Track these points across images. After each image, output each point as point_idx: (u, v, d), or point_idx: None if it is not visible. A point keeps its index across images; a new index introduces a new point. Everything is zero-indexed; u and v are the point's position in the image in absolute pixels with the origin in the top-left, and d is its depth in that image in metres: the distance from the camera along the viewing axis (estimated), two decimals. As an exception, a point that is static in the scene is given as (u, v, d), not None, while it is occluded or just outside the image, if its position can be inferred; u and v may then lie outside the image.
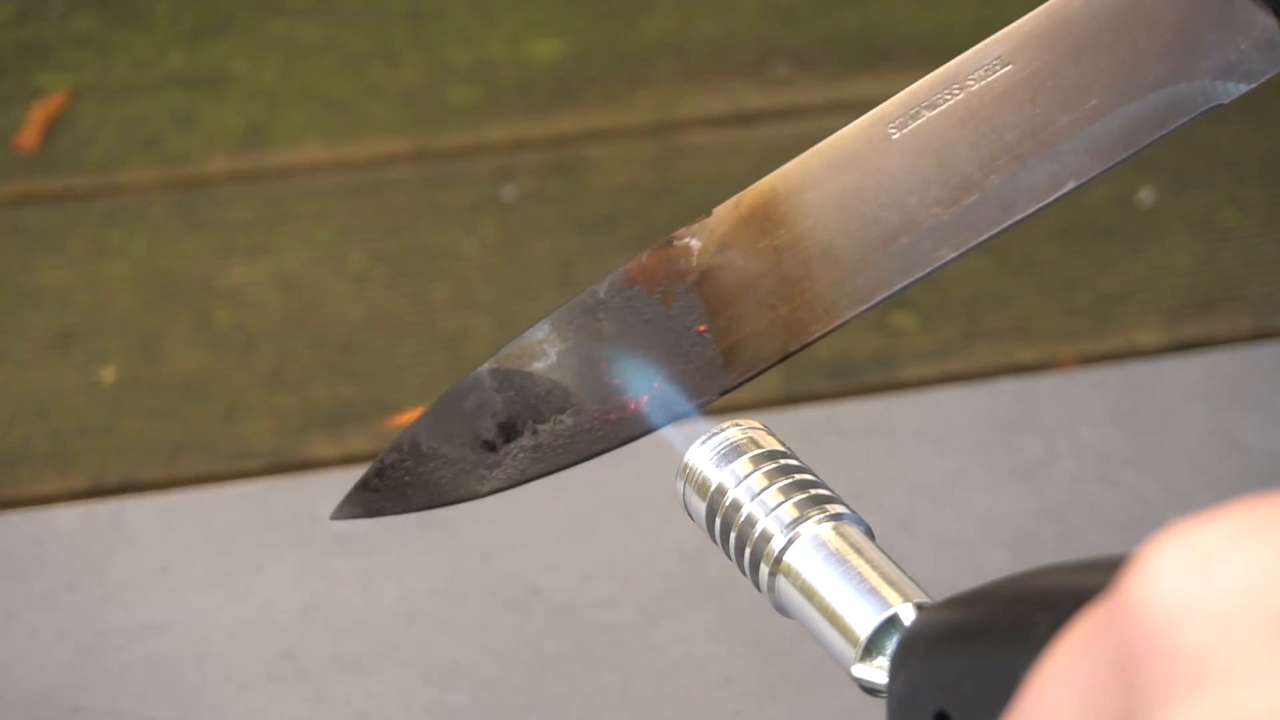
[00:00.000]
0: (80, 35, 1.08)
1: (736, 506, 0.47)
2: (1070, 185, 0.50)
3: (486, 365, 0.51)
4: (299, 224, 0.98)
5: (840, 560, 0.45)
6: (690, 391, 0.52)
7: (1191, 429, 0.83)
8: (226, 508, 0.79)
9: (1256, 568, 0.27)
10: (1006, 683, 0.33)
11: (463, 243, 0.97)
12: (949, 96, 0.50)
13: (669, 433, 0.52)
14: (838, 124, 0.53)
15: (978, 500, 0.79)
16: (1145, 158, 1.03)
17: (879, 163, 0.50)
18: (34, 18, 1.09)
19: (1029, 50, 0.50)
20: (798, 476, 0.47)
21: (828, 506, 0.46)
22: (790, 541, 0.45)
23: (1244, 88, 0.50)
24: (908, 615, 0.43)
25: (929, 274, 0.51)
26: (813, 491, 0.46)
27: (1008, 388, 0.86)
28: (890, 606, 0.43)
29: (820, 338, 0.51)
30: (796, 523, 0.46)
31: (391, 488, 0.53)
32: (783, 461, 0.47)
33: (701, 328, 0.51)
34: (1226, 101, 0.50)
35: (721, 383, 0.52)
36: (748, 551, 0.46)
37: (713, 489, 0.47)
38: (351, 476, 0.82)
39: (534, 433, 0.51)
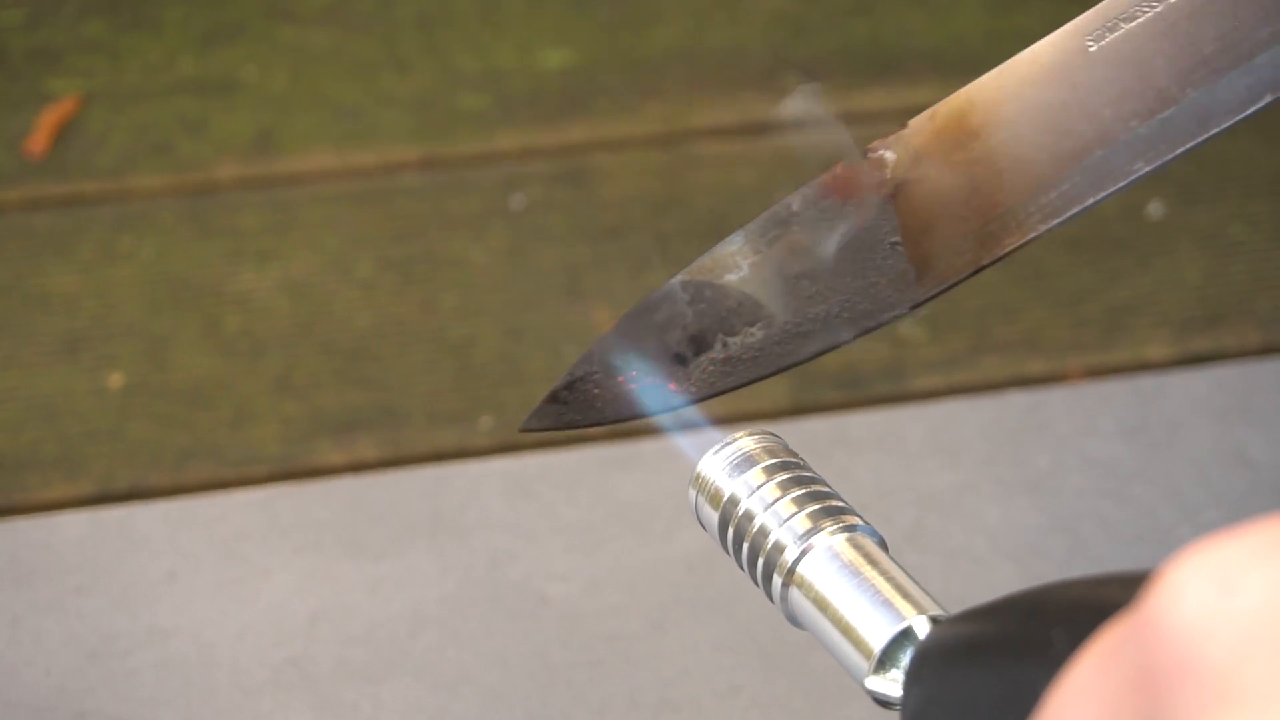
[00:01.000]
0: (91, 41, 1.08)
1: (749, 517, 0.46)
2: (1268, 99, 0.49)
3: (679, 277, 0.51)
4: (308, 231, 0.98)
5: (854, 572, 0.44)
6: (882, 305, 0.51)
7: (1199, 443, 0.82)
8: (234, 514, 0.79)
9: (1276, 587, 0.27)
10: (1023, 698, 0.32)
11: (471, 251, 0.97)
12: (1147, 9, 0.50)
13: (681, 441, 0.52)
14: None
15: (986, 512, 0.79)
16: (1155, 170, 1.03)
17: (1075, 76, 0.50)
18: (45, 23, 1.09)
19: None
20: (812, 487, 0.47)
21: (842, 518, 0.46)
22: (804, 553, 0.45)
23: None
24: (922, 628, 0.43)
25: (1123, 188, 0.50)
26: (827, 503, 0.46)
27: (1016, 400, 0.86)
28: (905, 619, 0.43)
29: (1013, 251, 0.50)
30: (810, 534, 0.45)
31: (580, 401, 0.52)
32: (796, 472, 0.47)
33: (895, 240, 0.51)
34: None
35: (913, 295, 0.51)
36: (761, 562, 0.46)
37: (725, 499, 0.47)
38: (361, 484, 0.82)
39: (724, 345, 0.51)
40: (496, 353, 0.92)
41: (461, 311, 0.94)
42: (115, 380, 0.90)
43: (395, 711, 0.71)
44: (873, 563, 0.45)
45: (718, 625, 0.74)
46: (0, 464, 0.85)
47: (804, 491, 0.46)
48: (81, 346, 0.92)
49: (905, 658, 0.43)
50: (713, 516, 0.48)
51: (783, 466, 0.47)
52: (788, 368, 0.51)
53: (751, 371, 0.51)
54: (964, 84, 0.52)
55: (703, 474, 0.48)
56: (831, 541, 0.45)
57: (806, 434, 0.83)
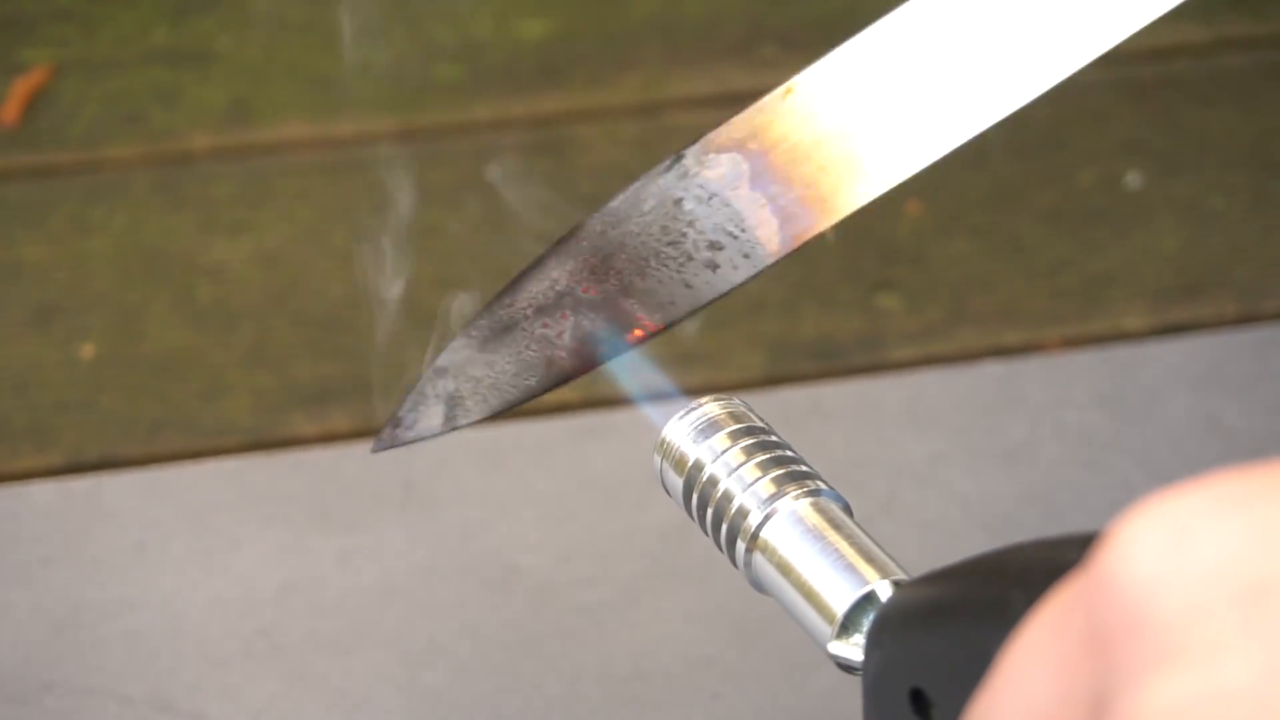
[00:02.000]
0: (63, 10, 1.07)
1: (713, 482, 0.46)
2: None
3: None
4: (282, 201, 0.97)
5: (818, 536, 0.44)
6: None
7: (1176, 413, 0.82)
8: (205, 485, 0.79)
9: (1232, 540, 0.27)
10: (981, 659, 0.32)
11: (447, 222, 0.97)
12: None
13: (648, 409, 0.52)
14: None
15: (960, 483, 0.79)
16: (1132, 141, 1.03)
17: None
18: (17, -8, 1.08)
19: None
20: (776, 452, 0.46)
21: (806, 482, 0.45)
22: (767, 517, 0.45)
23: None
24: (885, 592, 0.43)
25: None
26: (791, 467, 0.46)
27: (992, 370, 0.85)
28: (867, 583, 0.43)
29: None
30: (774, 498, 0.45)
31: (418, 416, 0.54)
32: (761, 437, 0.47)
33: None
34: None
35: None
36: (724, 527, 0.46)
37: (690, 464, 0.47)
38: (332, 455, 0.82)
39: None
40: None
41: (437, 282, 0.94)
42: (86, 351, 0.89)
43: (365, 682, 0.71)
44: (836, 527, 0.44)
45: (690, 595, 0.73)
46: (-30, 435, 0.85)
47: (768, 456, 0.46)
48: (53, 317, 0.91)
49: (868, 622, 0.42)
50: (677, 482, 0.47)
51: (748, 432, 0.47)
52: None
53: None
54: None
55: (667, 439, 0.48)
56: (795, 506, 0.45)
57: (781, 404, 0.83)
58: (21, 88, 1.02)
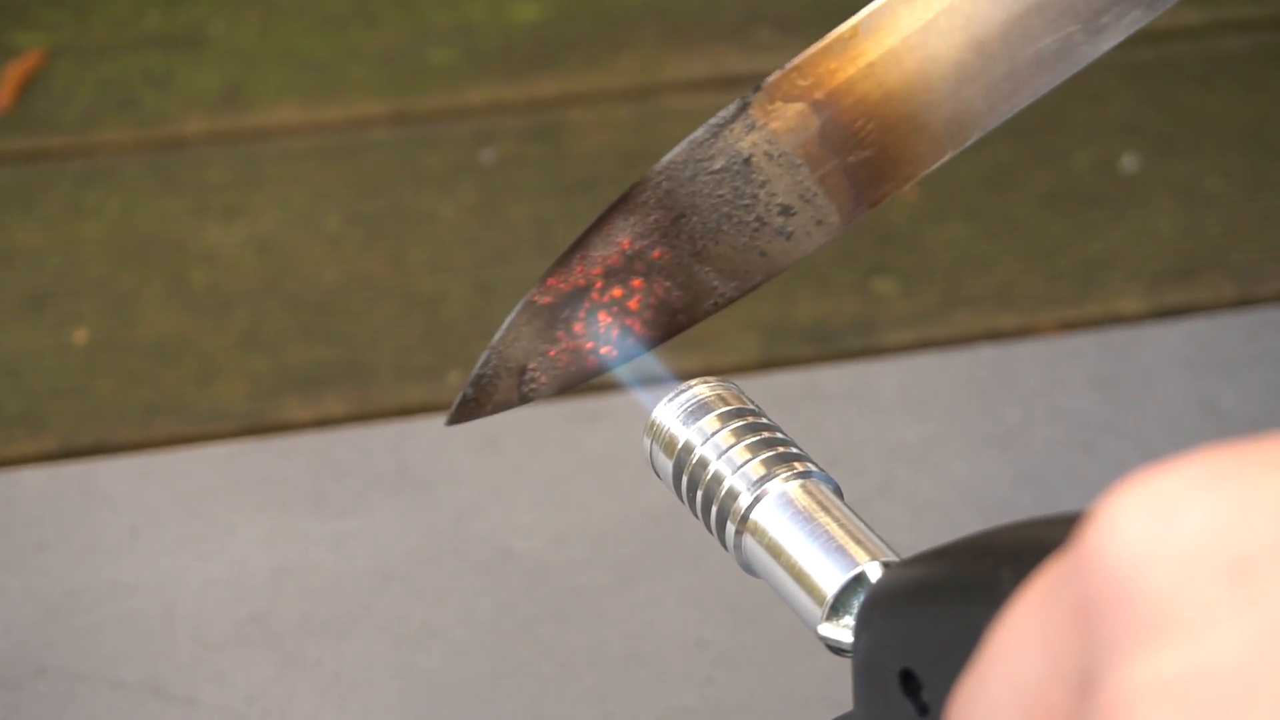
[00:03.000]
0: (57, -5, 1.07)
1: (703, 464, 0.46)
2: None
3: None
4: (275, 186, 0.97)
5: (808, 518, 0.44)
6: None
7: (1171, 396, 0.82)
8: (198, 470, 0.78)
9: (1218, 515, 0.27)
10: (971, 639, 0.32)
11: (441, 206, 0.96)
12: None
13: (639, 392, 0.52)
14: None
15: (956, 466, 0.78)
16: (1129, 124, 1.02)
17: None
18: (10, -23, 1.08)
19: None
20: (765, 434, 0.46)
21: (795, 464, 0.45)
22: (757, 499, 0.45)
23: None
24: (875, 573, 0.42)
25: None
26: (780, 449, 0.46)
27: (987, 354, 0.85)
28: (857, 565, 0.43)
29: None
30: (764, 480, 0.45)
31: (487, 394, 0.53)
32: (750, 419, 0.47)
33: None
34: None
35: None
36: (714, 509, 0.45)
37: (680, 446, 0.47)
38: (325, 439, 0.82)
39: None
40: (466, 308, 0.92)
41: (431, 267, 0.93)
42: (80, 336, 0.89)
43: (359, 667, 0.71)
44: (826, 509, 0.44)
45: (684, 579, 0.73)
46: (-37, 421, 0.85)
47: (758, 438, 0.46)
48: (46, 303, 0.91)
49: (856, 602, 0.42)
50: (667, 465, 0.47)
51: (737, 414, 0.47)
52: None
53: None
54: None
55: (657, 421, 0.47)
56: (785, 488, 0.45)
57: (776, 388, 0.83)
58: (14, 72, 1.02)
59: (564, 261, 0.51)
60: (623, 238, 0.51)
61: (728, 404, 0.47)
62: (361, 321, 0.91)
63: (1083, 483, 0.77)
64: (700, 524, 0.48)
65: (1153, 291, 0.92)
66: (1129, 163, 0.99)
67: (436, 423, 0.82)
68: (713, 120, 0.50)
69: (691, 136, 0.50)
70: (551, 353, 0.51)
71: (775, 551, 0.44)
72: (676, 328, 0.51)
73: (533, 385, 0.51)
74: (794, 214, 0.51)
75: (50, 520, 0.76)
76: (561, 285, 0.51)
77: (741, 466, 0.45)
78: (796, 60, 0.50)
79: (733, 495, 0.45)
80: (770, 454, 0.45)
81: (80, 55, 1.04)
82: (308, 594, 0.73)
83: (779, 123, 0.50)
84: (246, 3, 1.08)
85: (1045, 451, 0.79)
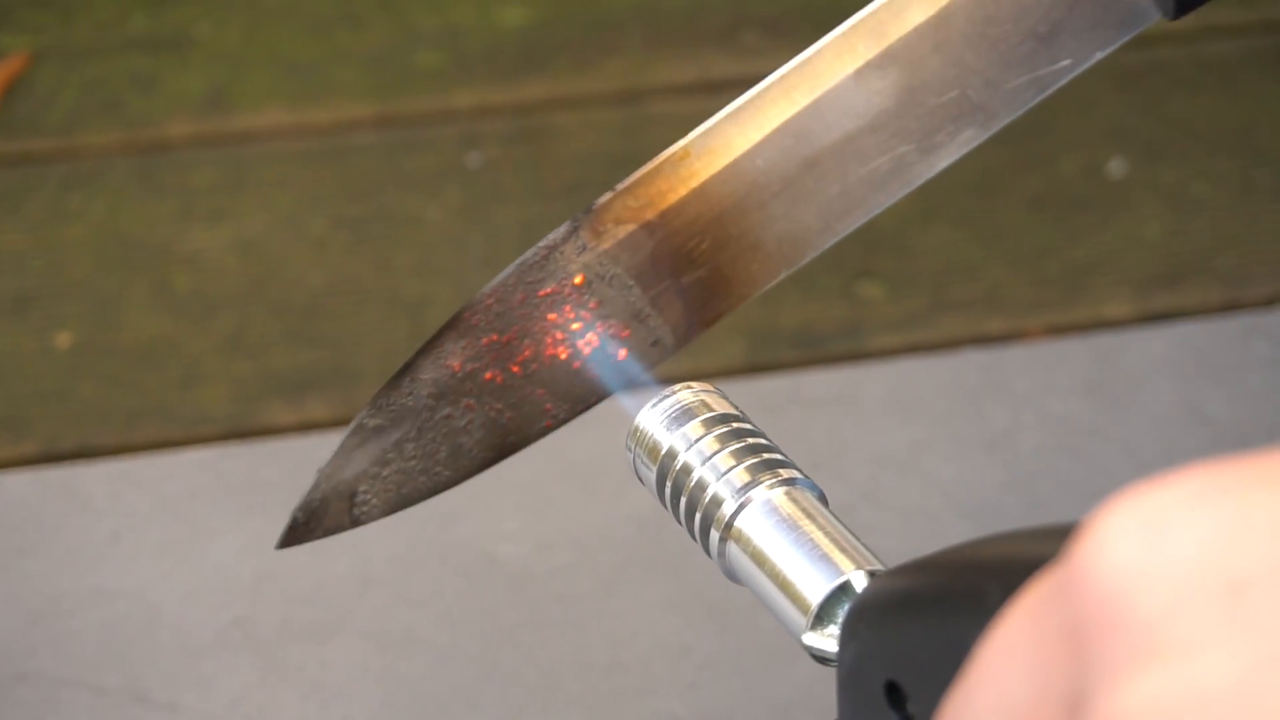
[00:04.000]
0: (41, -4, 1.07)
1: (687, 470, 0.46)
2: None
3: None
4: (261, 189, 0.97)
5: (792, 526, 0.44)
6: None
7: (1158, 401, 0.82)
8: (180, 474, 0.78)
9: (1210, 534, 0.26)
10: (957, 652, 0.32)
11: (426, 209, 0.96)
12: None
13: (622, 397, 0.51)
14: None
15: (942, 470, 0.78)
16: (1116, 128, 1.02)
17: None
18: (-6, -22, 1.07)
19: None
20: (750, 440, 0.46)
21: (780, 471, 0.45)
22: (741, 506, 0.44)
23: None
24: (860, 583, 0.42)
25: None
26: (765, 456, 0.45)
27: (975, 358, 0.85)
28: (842, 573, 0.42)
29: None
30: (748, 487, 0.45)
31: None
32: (735, 425, 0.46)
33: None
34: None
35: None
36: (698, 516, 0.45)
37: (663, 453, 0.46)
38: (308, 443, 0.81)
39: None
40: (451, 312, 0.91)
41: (416, 270, 0.93)
42: (63, 340, 0.89)
43: (342, 672, 0.70)
44: (811, 517, 0.44)
45: (668, 585, 0.73)
46: (-55, 424, 0.84)
47: (742, 445, 0.46)
48: (29, 306, 0.90)
49: (843, 613, 0.42)
50: (650, 471, 0.47)
51: (721, 420, 0.46)
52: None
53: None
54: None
55: (640, 427, 0.47)
56: (770, 495, 0.44)
57: (762, 393, 0.82)
58: (-2, 74, 1.02)
59: (393, 384, 0.51)
60: (453, 360, 0.51)
61: (712, 409, 0.47)
62: (346, 325, 0.90)
63: (1070, 488, 0.77)
64: (684, 530, 0.47)
65: (1140, 296, 0.92)
66: (1116, 167, 0.99)
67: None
68: (542, 243, 0.51)
69: (521, 258, 0.51)
70: (383, 474, 0.51)
71: (759, 559, 0.44)
72: (509, 449, 0.51)
73: (364, 508, 0.52)
74: (629, 336, 0.51)
75: (31, 525, 0.76)
76: (391, 408, 0.51)
77: (726, 473, 0.45)
78: (627, 181, 0.50)
79: (717, 502, 0.45)
80: (755, 460, 0.45)
81: (65, 58, 1.03)
82: (290, 599, 0.73)
83: (610, 243, 0.50)
84: (232, 5, 1.07)
85: (1033, 457, 0.78)
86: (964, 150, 0.50)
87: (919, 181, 0.51)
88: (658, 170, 0.50)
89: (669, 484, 0.46)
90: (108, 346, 0.88)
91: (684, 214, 0.50)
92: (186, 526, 0.75)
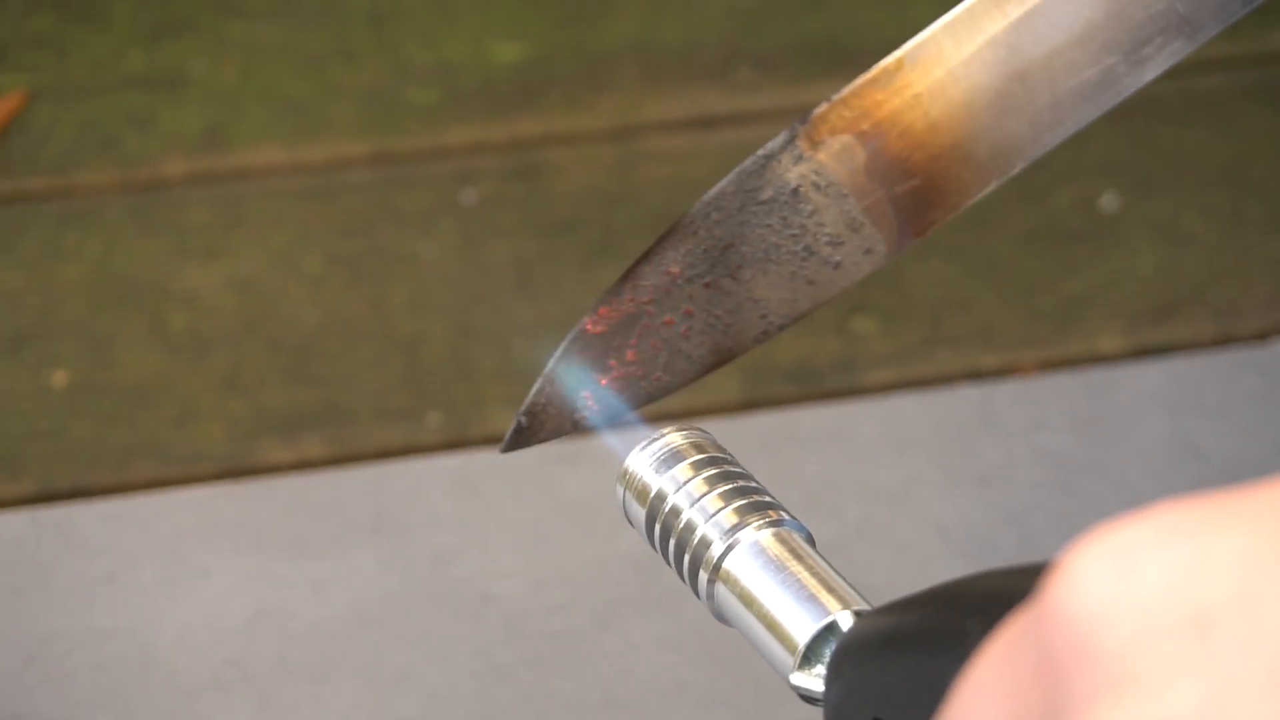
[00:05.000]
0: (37, 35, 1.07)
1: (676, 512, 0.46)
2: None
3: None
4: (256, 227, 0.97)
5: (779, 567, 0.44)
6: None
7: (1151, 436, 0.82)
8: (175, 513, 0.78)
9: (1178, 569, 0.26)
10: (939, 689, 0.32)
11: (421, 247, 0.96)
12: None
13: (610, 439, 0.51)
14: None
15: (936, 506, 0.78)
16: (1109, 162, 1.02)
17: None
18: (-9, 18, 1.08)
19: None
20: (739, 483, 0.46)
21: (769, 512, 0.45)
22: (729, 548, 0.45)
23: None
24: (846, 622, 0.42)
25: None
26: (754, 498, 0.45)
27: (968, 394, 0.85)
28: (829, 614, 0.42)
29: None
30: (736, 529, 0.45)
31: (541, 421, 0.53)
32: (724, 467, 0.47)
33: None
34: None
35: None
36: (687, 558, 0.45)
37: (652, 495, 0.46)
38: (303, 482, 0.81)
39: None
40: (446, 349, 0.91)
41: (411, 308, 0.93)
42: (59, 379, 0.89)
43: (337, 712, 0.70)
44: (798, 557, 0.44)
45: (663, 623, 0.73)
46: (-59, 464, 0.84)
47: (730, 487, 0.46)
48: (25, 344, 0.91)
49: (828, 651, 0.42)
50: (640, 513, 0.47)
51: (710, 462, 0.47)
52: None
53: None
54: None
55: (630, 469, 0.47)
56: (758, 536, 0.45)
57: (756, 429, 0.82)
58: (-6, 114, 1.02)
59: (615, 290, 0.51)
60: (673, 266, 0.51)
61: (701, 452, 0.47)
62: (341, 363, 0.91)
63: (1063, 524, 0.77)
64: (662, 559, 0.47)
65: (1132, 330, 0.92)
66: (1109, 201, 0.99)
67: (415, 465, 0.82)
68: (760, 151, 0.51)
69: (740, 167, 0.51)
70: (604, 381, 0.51)
71: (748, 600, 0.44)
72: (726, 355, 0.52)
73: (586, 412, 0.51)
74: (842, 244, 0.51)
75: (26, 565, 0.76)
76: (613, 313, 0.51)
77: (714, 515, 0.45)
78: (843, 92, 0.50)
79: (705, 544, 0.45)
80: (743, 502, 0.45)
81: (61, 96, 1.04)
82: (285, 638, 0.73)
83: (826, 154, 0.51)
84: (228, 43, 1.07)
85: (1026, 492, 0.79)
86: (1171, 62, 0.51)
87: (1127, 93, 0.51)
88: (873, 81, 0.50)
89: (658, 526, 0.46)
90: (103, 385, 0.89)
91: (898, 124, 0.50)
92: (181, 566, 0.75)
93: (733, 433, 0.81)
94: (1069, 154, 1.02)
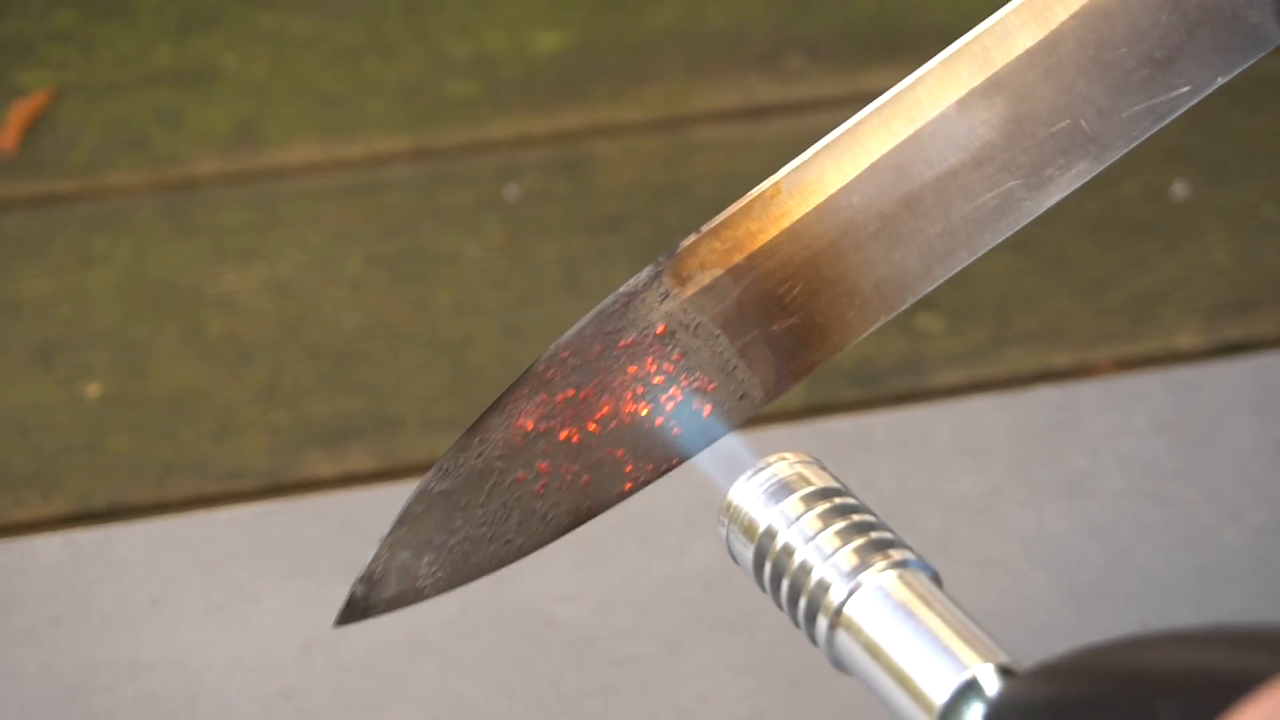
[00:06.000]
0: (62, 31, 1.04)
1: (789, 551, 0.42)
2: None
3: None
4: (293, 227, 0.94)
5: (908, 614, 0.40)
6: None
7: (1240, 438, 0.78)
8: (219, 534, 0.75)
9: None
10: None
11: (465, 246, 0.93)
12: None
13: (706, 465, 0.48)
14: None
15: (1019, 518, 0.74)
16: (1176, 149, 0.99)
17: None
18: (13, 13, 1.04)
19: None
20: (856, 518, 0.42)
21: (891, 552, 0.41)
22: (851, 592, 0.41)
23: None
24: (987, 678, 0.38)
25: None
26: (874, 535, 0.42)
27: (1045, 396, 0.81)
28: (968, 668, 0.39)
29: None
30: (857, 570, 0.41)
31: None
32: (838, 500, 0.43)
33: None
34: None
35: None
36: (803, 602, 0.42)
37: (761, 531, 0.43)
38: (354, 498, 0.78)
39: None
40: (494, 353, 0.88)
41: (456, 310, 0.90)
42: (92, 390, 0.85)
43: (395, 745, 0.67)
44: (929, 603, 0.40)
45: (738, 646, 0.69)
46: (-29, 482, 0.81)
47: (848, 523, 0.42)
48: (55, 355, 0.87)
49: (969, 712, 0.38)
50: (747, 550, 0.43)
51: (823, 495, 0.43)
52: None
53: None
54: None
55: (734, 503, 0.44)
56: (881, 579, 0.41)
57: (824, 436, 0.79)
58: (20, 113, 0.99)
59: (461, 444, 0.47)
60: (527, 419, 0.47)
61: (811, 483, 0.43)
62: (385, 369, 0.87)
63: (1155, 535, 0.73)
64: (753, 586, 0.44)
65: (1211, 325, 0.89)
66: (1179, 190, 0.95)
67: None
68: (622, 289, 0.47)
69: (599, 306, 0.47)
70: (450, 543, 0.48)
71: (874, 651, 0.40)
72: (586, 514, 0.48)
73: (430, 580, 0.48)
74: (715, 389, 0.47)
75: (65, 592, 0.72)
76: (459, 469, 0.48)
77: (832, 555, 0.41)
78: (713, 222, 0.47)
79: (824, 587, 0.41)
80: (863, 541, 0.42)
81: (87, 94, 1.00)
82: (339, 668, 0.69)
83: (695, 290, 0.47)
84: (259, 36, 1.04)
85: (1113, 501, 0.75)
86: (1076, 185, 0.47)
87: (1028, 219, 0.47)
88: (746, 209, 0.47)
89: (768, 565, 0.43)
90: (139, 396, 0.85)
91: (775, 256, 0.47)
92: (228, 591, 0.72)
93: (800, 441, 0.77)
94: (1135, 141, 0.98)
